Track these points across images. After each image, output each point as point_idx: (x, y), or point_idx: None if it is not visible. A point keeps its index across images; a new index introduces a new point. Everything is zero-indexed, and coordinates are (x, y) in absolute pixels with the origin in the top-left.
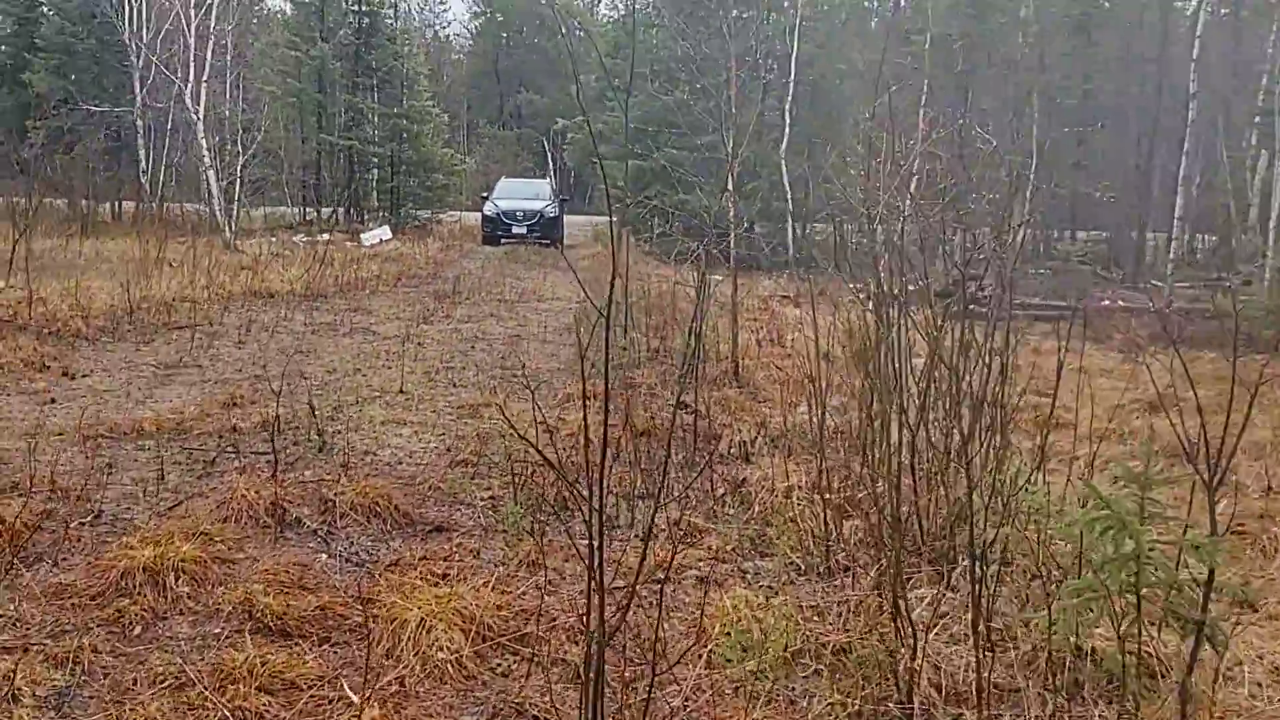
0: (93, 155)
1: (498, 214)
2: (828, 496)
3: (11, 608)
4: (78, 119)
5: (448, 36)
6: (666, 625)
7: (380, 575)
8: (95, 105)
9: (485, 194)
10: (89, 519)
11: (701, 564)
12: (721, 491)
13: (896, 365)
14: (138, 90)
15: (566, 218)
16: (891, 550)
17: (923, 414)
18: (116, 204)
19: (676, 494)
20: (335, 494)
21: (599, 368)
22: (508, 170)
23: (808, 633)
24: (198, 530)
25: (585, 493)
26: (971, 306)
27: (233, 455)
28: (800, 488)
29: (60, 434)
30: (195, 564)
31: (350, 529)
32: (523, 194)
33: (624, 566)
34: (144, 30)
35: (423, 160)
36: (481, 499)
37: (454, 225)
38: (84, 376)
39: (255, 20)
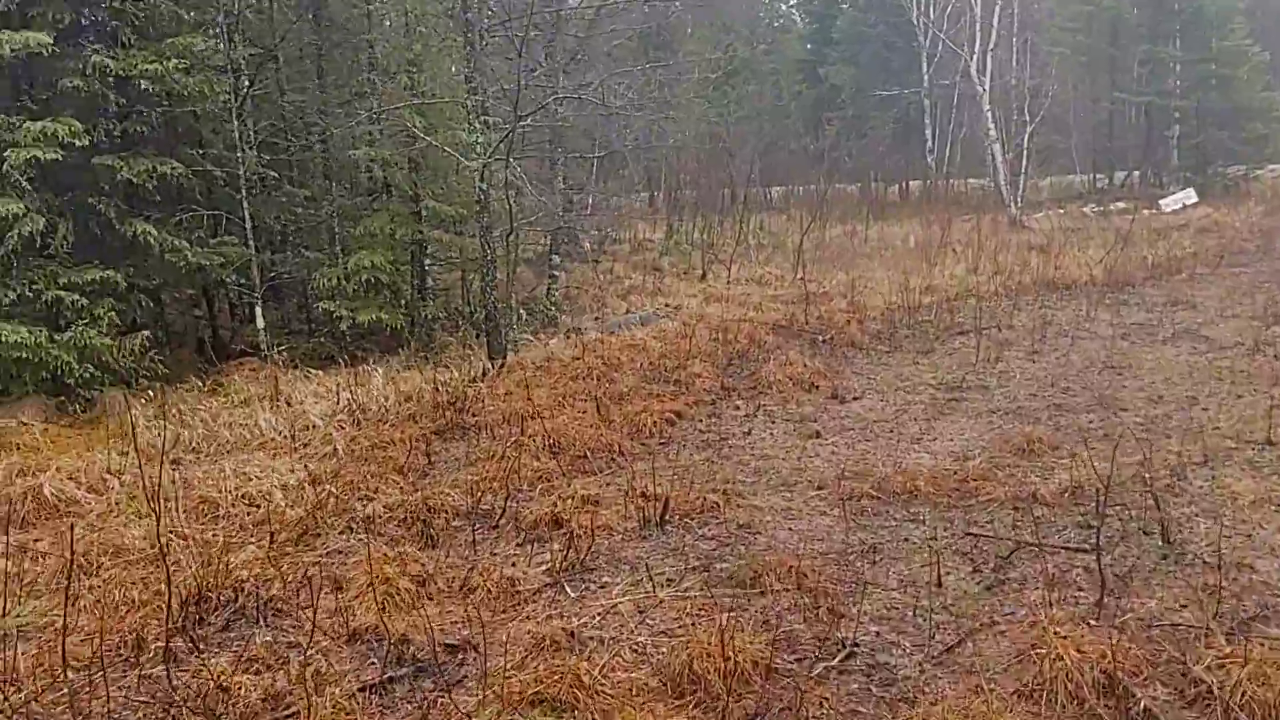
0: (881, 139)
1: None
2: None
3: None
4: (868, 106)
5: None
6: None
7: None
8: (884, 90)
9: None
10: (837, 658)
11: None
12: None
13: None
14: (924, 70)
15: None
16: None
17: None
18: (903, 185)
19: None
20: (1206, 665)
21: None
22: None
23: None
24: None
25: None
26: None
27: (1034, 550)
28: None
29: (818, 489)
30: None
31: None
32: None
33: None
34: (931, 8)
35: (1237, 109)
36: None
37: (1276, 181)
38: (854, 399)
39: None
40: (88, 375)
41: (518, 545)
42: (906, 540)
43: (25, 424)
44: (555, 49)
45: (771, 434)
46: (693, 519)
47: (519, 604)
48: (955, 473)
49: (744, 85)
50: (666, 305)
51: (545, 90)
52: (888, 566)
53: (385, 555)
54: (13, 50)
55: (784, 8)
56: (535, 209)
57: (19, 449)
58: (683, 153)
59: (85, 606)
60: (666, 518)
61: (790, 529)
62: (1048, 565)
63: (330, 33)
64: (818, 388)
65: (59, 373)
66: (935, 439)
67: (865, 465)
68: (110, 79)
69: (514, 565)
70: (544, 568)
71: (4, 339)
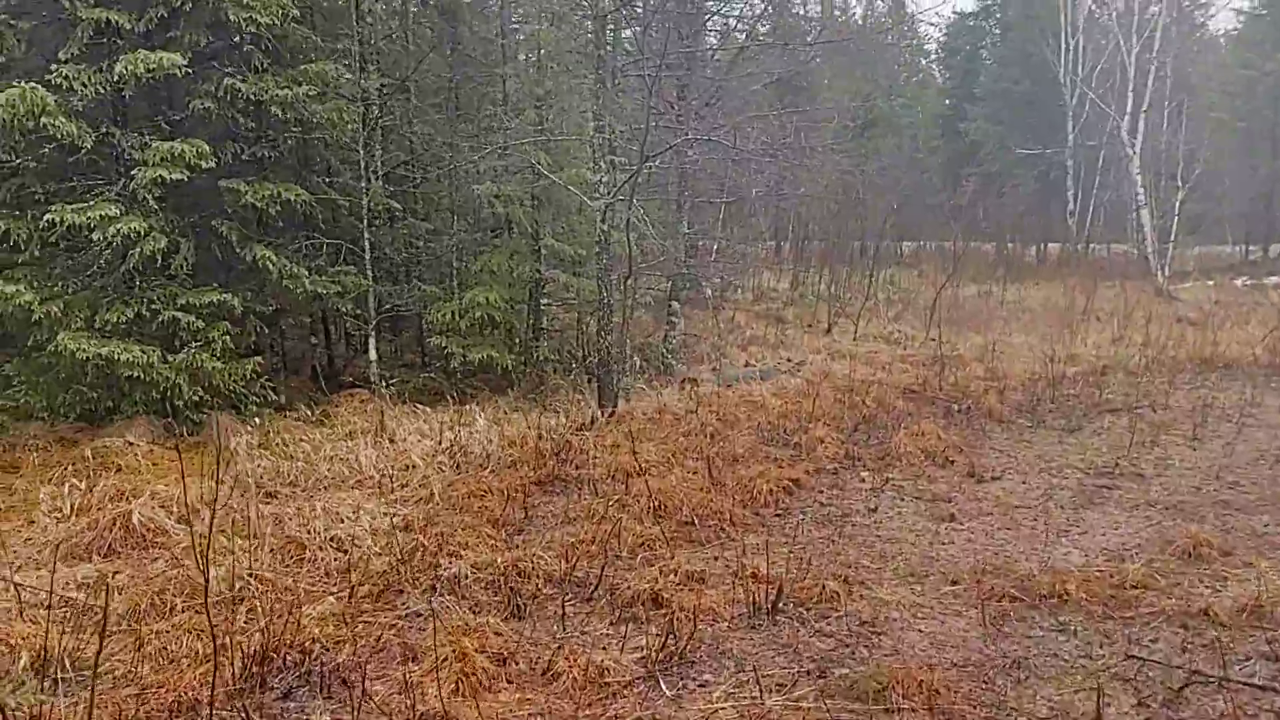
0: (1020, 199)
1: None
2: None
3: None
4: (1008, 163)
5: None
6: None
7: None
8: (1026, 149)
9: None
10: None
11: None
12: None
13: None
14: (1069, 129)
15: None
16: None
17: None
18: (1041, 247)
19: None
20: None
21: None
22: None
23: None
24: None
25: None
26: None
27: (1208, 682)
28: None
29: (953, 583)
30: None
31: None
32: None
33: None
34: (1079, 66)
35: None
36: None
37: None
38: (993, 479)
39: (1195, 46)
40: (197, 398)
41: (611, 624)
42: (1056, 656)
43: (131, 444)
44: (688, 91)
45: (900, 513)
46: (809, 609)
47: (606, 698)
48: (1110, 576)
49: (881, 138)
50: (788, 360)
51: (675, 132)
52: (1035, 688)
53: (465, 625)
54: (147, 70)
55: (923, 62)
56: (657, 253)
57: (120, 470)
58: (813, 202)
59: (149, 654)
60: (779, 606)
61: (920, 631)
62: (1231, 704)
63: (463, 66)
64: (953, 463)
65: (168, 394)
66: (1085, 532)
67: (1006, 559)
68: (241, 103)
69: (605, 649)
70: (638, 655)
71: (117, 357)
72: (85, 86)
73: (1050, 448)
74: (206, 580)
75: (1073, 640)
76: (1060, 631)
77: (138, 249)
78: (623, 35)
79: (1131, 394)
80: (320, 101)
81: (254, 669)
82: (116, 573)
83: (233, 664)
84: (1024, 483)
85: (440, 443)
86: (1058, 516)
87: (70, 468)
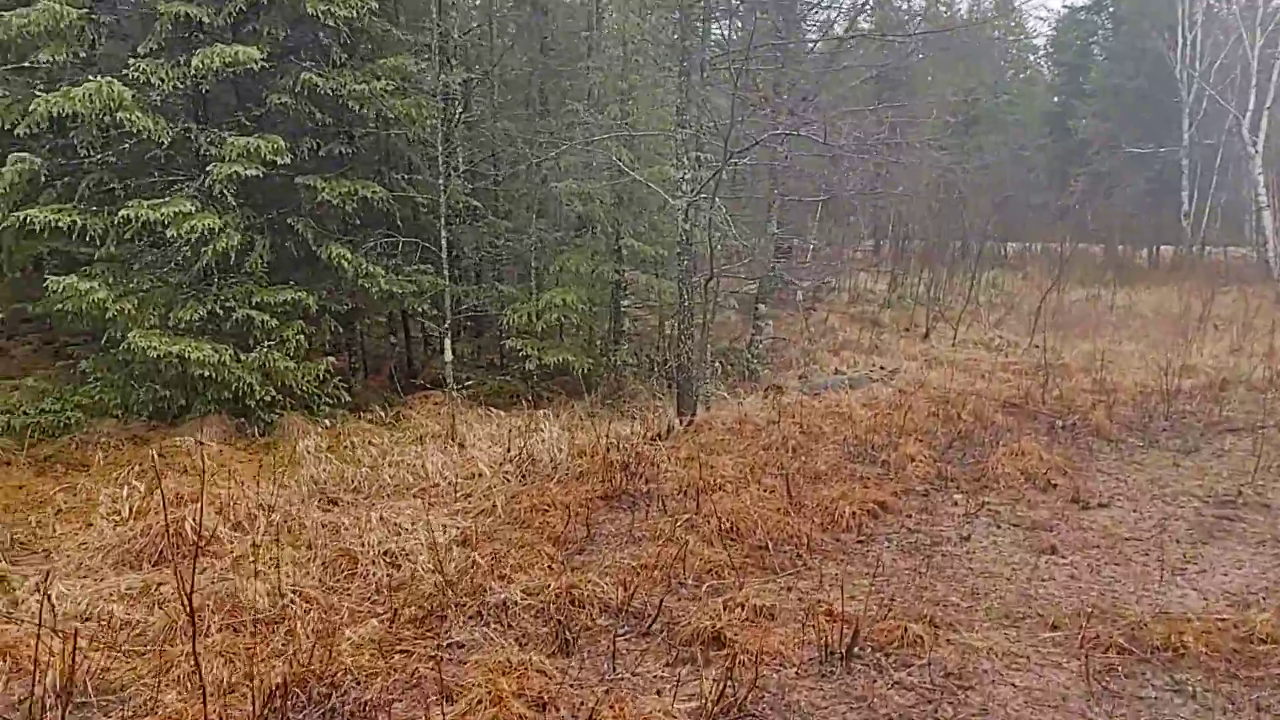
0: (1132, 198)
1: None
2: None
3: None
4: (1119, 162)
5: None
6: None
7: None
8: (1138, 147)
9: None
10: None
11: None
12: None
13: None
14: (1185, 127)
15: None
16: None
17: None
18: (1153, 249)
19: None
20: None
21: None
22: None
23: None
24: None
25: None
26: None
27: None
28: None
29: (1053, 629)
30: None
31: None
32: None
33: None
34: (1197, 62)
35: None
36: None
37: None
38: (1099, 507)
39: None
40: (269, 398)
41: (666, 665)
42: None
43: (202, 443)
44: (781, 86)
45: (995, 543)
46: (888, 655)
47: None
48: (1234, 625)
49: (984, 135)
50: (881, 367)
51: (763, 128)
52: None
53: (506, 661)
54: (224, 64)
55: (1031, 58)
56: (744, 253)
57: (186, 472)
58: (914, 201)
59: (176, 679)
60: (855, 650)
61: (1014, 685)
62: None
63: (547, 59)
64: (1055, 486)
65: (240, 393)
66: (1204, 571)
67: (1114, 600)
68: (319, 98)
69: (657, 695)
70: (692, 704)
71: (188, 356)
72: (163, 81)
73: (1164, 471)
74: (194, 619)
75: (1190, 704)
76: (1176, 692)
77: (212, 246)
78: (711, 28)
79: (1254, 412)
80: (399, 97)
81: (278, 702)
82: (161, 584)
83: (255, 696)
84: (1135, 511)
85: (509, 450)
86: (1173, 552)
87: (137, 467)
